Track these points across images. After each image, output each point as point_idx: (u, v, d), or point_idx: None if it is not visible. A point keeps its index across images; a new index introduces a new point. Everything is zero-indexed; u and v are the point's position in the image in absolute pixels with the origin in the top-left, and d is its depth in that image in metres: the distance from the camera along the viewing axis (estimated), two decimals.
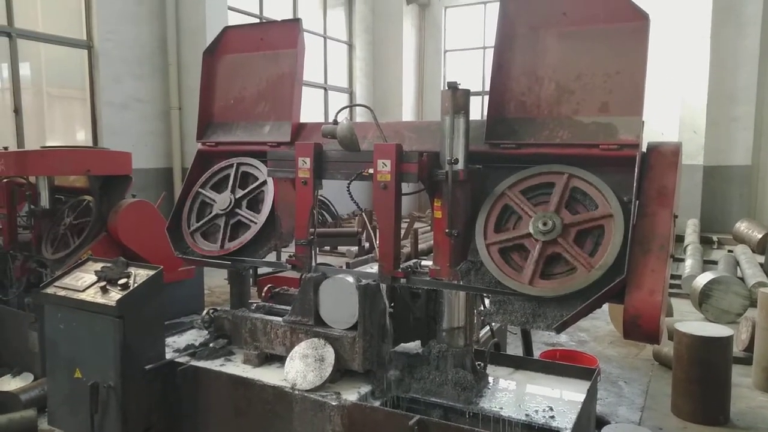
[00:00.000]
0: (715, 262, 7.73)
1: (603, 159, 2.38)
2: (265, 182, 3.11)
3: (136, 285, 2.77)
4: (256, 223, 3.03)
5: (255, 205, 3.14)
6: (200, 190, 3.26)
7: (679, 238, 9.13)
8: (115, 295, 2.75)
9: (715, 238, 9.39)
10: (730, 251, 8.35)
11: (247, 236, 3.03)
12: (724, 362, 3.82)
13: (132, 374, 2.73)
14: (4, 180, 4.73)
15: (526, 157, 2.51)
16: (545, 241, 2.34)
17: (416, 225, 10.09)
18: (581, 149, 2.40)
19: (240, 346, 2.99)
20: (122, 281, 2.82)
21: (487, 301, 2.61)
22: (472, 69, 13.28)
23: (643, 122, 2.34)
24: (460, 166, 2.48)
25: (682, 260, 7.84)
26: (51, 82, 7.96)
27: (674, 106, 10.68)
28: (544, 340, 5.41)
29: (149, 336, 2.80)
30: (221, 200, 3.16)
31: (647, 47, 2.33)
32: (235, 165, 3.22)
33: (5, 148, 4.66)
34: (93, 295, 2.81)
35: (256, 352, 2.88)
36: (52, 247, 4.54)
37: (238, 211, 3.11)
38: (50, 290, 2.95)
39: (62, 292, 2.91)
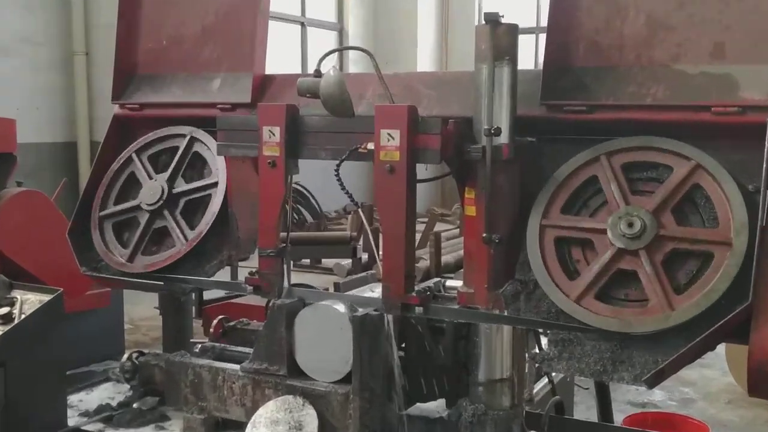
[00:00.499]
0: None
1: (716, 128, 2.37)
2: (216, 184, 3.13)
3: (23, 317, 2.78)
4: (184, 242, 3.06)
5: (195, 210, 3.17)
6: (134, 156, 3.30)
7: None
8: None
9: None
10: None
11: (163, 260, 3.05)
12: None
13: None
14: None
15: (601, 124, 2.51)
16: (622, 248, 2.36)
17: (438, 227, 10.09)
18: (684, 113, 2.40)
19: (178, 406, 3.00)
20: (2, 311, 2.82)
21: (544, 340, 2.60)
22: None
23: None
24: (503, 138, 2.49)
25: None
26: None
27: None
28: (629, 399, 5.41)
29: (43, 391, 2.81)
30: (151, 189, 3.19)
31: None
32: (188, 137, 3.25)
33: None
34: None
35: (202, 417, 2.89)
36: None
37: (167, 215, 3.14)
38: None
39: None
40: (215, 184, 3.10)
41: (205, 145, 3.19)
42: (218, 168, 3.11)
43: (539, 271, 2.46)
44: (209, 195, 3.11)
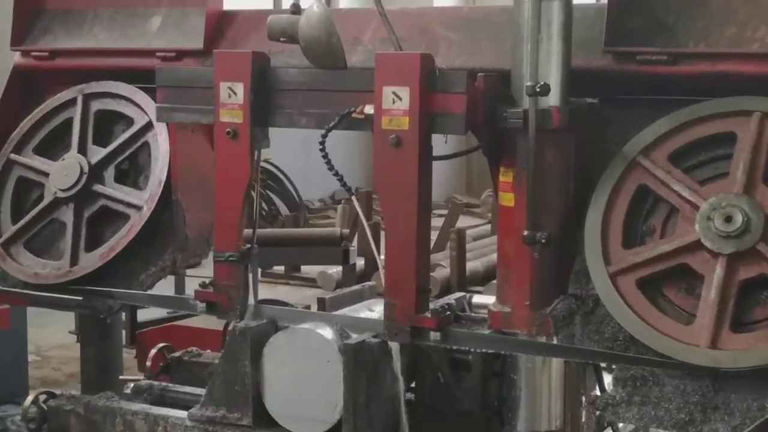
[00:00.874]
0: None
1: None
2: (149, 126, 3.14)
3: None
4: (140, 207, 3.06)
5: (132, 175, 3.18)
6: (15, 157, 3.30)
7: None
8: None
9: None
10: None
11: (122, 237, 3.05)
12: None
13: None
14: None
15: (688, 79, 2.51)
16: (733, 253, 2.35)
17: (462, 222, 10.11)
18: None
19: None
20: None
21: (608, 379, 2.60)
22: None
23: None
24: (552, 99, 2.49)
25: None
26: None
27: None
28: None
29: None
30: (62, 171, 3.19)
31: None
32: (80, 100, 3.26)
33: None
34: None
35: None
36: None
37: (99, 189, 3.15)
38: None
39: None
40: (148, 126, 3.10)
41: (109, 95, 3.22)
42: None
43: (641, 332, 2.43)
44: (145, 146, 3.12)
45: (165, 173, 3.06)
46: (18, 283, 3.18)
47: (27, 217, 3.26)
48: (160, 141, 3.09)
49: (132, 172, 3.18)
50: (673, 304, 2.48)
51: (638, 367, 2.40)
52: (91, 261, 3.12)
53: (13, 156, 3.31)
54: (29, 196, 3.32)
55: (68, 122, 3.27)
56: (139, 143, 3.15)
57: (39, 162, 3.27)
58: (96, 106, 3.23)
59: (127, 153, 3.17)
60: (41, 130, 3.32)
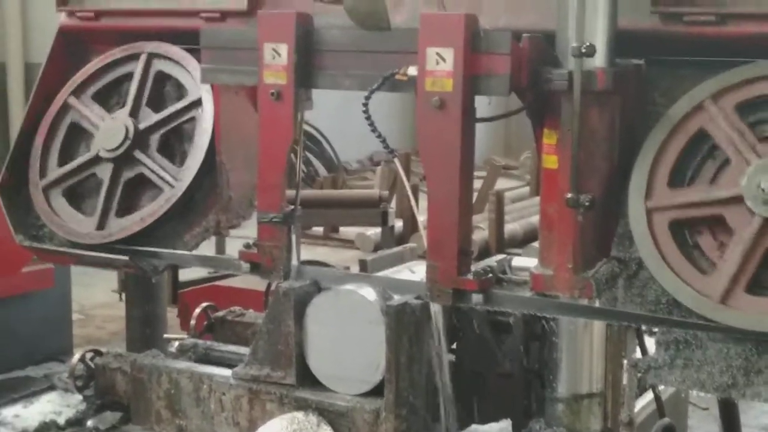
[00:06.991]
0: None
1: None
2: (199, 102, 3.15)
3: None
4: (173, 185, 3.08)
5: (176, 146, 3.19)
6: (71, 100, 3.32)
7: None
8: None
9: None
10: None
11: (155, 209, 3.08)
12: None
13: None
14: None
15: (738, 40, 2.48)
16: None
17: (500, 184, 10.07)
18: None
19: (148, 425, 3.06)
20: None
21: (650, 342, 2.60)
22: None
23: None
24: (598, 61, 2.47)
25: None
26: None
27: None
28: (765, 423, 5.38)
29: None
30: (109, 130, 3.20)
31: None
32: (144, 57, 3.26)
33: None
34: None
35: None
36: None
37: (140, 156, 3.16)
38: None
39: None
40: (198, 103, 3.11)
41: (171, 60, 3.22)
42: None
43: (659, 271, 2.43)
44: (192, 120, 3.13)
45: (201, 158, 3.07)
46: (66, 242, 3.21)
47: (70, 165, 3.27)
48: (203, 124, 3.09)
49: (176, 141, 3.18)
50: (699, 251, 2.45)
51: (680, 331, 2.39)
52: (119, 229, 3.13)
53: (71, 99, 3.32)
54: (80, 143, 3.33)
55: (128, 77, 3.28)
56: (185, 117, 3.15)
57: (93, 111, 3.28)
58: (158, 66, 3.23)
59: (174, 124, 3.16)
60: (102, 78, 3.32)
